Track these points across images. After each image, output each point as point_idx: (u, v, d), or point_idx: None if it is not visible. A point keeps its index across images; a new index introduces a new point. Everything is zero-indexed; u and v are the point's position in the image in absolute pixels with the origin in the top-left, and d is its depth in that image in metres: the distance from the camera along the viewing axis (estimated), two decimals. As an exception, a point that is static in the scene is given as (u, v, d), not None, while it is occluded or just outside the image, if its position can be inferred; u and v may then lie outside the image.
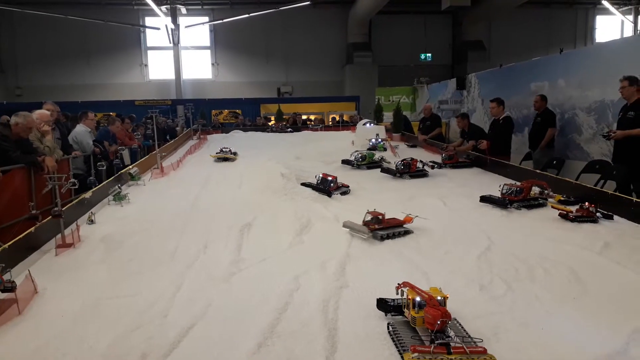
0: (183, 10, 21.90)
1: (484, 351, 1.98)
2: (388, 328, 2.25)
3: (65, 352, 2.14)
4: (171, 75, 23.11)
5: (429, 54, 24.35)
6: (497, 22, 24.19)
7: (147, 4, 20.36)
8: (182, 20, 22.18)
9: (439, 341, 1.99)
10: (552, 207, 4.36)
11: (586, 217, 4.00)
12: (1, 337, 2.28)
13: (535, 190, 4.69)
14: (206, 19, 23.32)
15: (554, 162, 7.29)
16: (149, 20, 23.44)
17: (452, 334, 2.08)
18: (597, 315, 2.42)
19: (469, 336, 2.09)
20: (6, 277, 2.55)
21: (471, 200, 4.79)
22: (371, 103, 17.33)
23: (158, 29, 22.33)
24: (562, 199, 4.58)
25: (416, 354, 1.94)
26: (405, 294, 2.26)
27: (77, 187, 4.00)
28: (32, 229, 3.52)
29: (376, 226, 3.48)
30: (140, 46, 24.02)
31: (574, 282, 2.83)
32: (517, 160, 8.24)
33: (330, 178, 5.20)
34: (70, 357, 2.11)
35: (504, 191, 4.58)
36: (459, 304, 2.42)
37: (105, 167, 6.29)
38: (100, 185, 5.20)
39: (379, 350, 2.11)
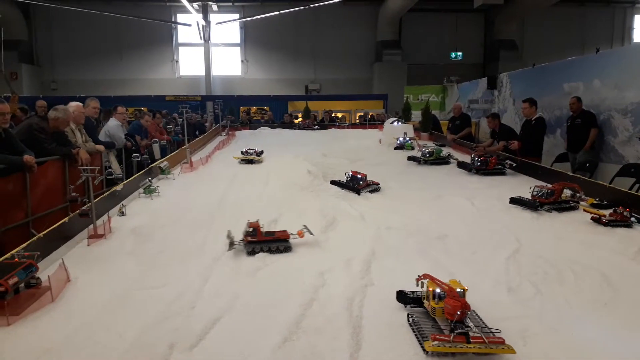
0: (214, 7, 22.16)
1: (502, 341, 2.00)
2: (408, 318, 2.28)
3: (95, 340, 2.19)
4: (201, 72, 23.45)
5: (460, 53, 24.07)
6: (530, 21, 23.76)
7: (179, 1, 20.68)
8: (213, 17, 22.44)
9: (459, 330, 2.03)
10: (585, 210, 4.26)
11: (620, 222, 3.87)
12: (35, 323, 2.35)
13: (567, 193, 4.58)
14: (237, 15, 23.56)
15: (587, 164, 7.12)
16: (180, 17, 23.83)
17: (470, 324, 2.11)
18: (629, 321, 2.35)
19: (487, 327, 2.11)
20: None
21: (500, 202, 4.71)
22: (399, 101, 17.22)
23: (189, 25, 22.68)
24: (595, 202, 4.46)
25: (436, 342, 1.99)
26: (425, 286, 2.30)
27: (113, 177, 4.10)
28: (66, 219, 3.63)
29: (249, 239, 3.34)
30: (171, 42, 24.48)
31: (606, 288, 2.75)
32: (548, 161, 8.08)
33: (359, 176, 5.17)
34: (101, 345, 2.16)
35: (535, 193, 4.49)
36: (486, 306, 2.38)
37: (139, 159, 6.43)
38: (131, 178, 5.31)
39: (403, 349, 2.10)
